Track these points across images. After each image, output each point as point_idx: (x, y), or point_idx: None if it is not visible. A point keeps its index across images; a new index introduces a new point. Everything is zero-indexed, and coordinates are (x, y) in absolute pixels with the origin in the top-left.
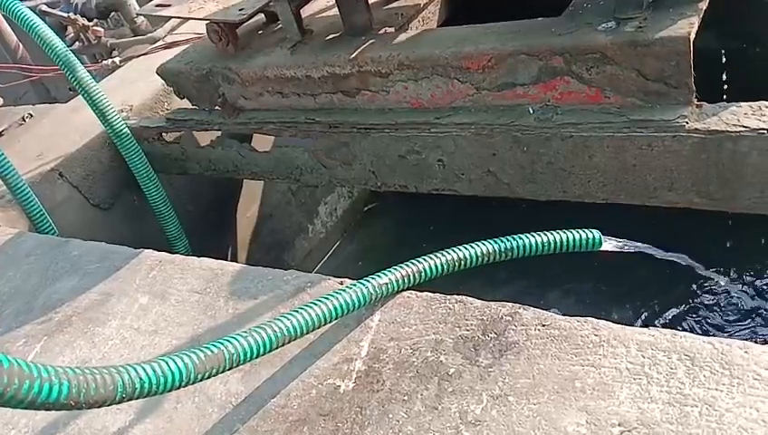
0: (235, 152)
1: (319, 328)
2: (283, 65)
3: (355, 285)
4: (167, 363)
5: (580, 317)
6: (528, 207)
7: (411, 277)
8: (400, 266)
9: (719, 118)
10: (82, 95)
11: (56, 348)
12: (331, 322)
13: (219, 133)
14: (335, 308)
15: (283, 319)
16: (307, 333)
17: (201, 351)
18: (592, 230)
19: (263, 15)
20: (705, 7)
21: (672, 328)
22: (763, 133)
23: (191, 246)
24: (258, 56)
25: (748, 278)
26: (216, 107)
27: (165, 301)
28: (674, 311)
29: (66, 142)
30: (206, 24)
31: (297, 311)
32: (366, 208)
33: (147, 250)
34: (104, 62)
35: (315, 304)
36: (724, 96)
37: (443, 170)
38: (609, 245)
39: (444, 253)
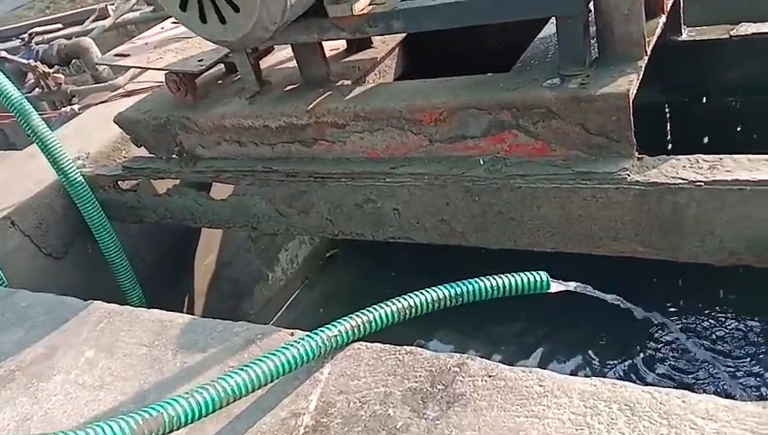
0: (191, 200)
1: (265, 385)
2: (241, 115)
3: (303, 339)
4: (102, 429)
5: (525, 367)
6: (490, 252)
7: (362, 328)
8: (350, 317)
9: (659, 170)
10: (36, 143)
11: None
12: (277, 378)
13: (177, 181)
14: (282, 365)
15: (227, 378)
16: (253, 392)
17: (139, 414)
18: (540, 272)
19: (222, 66)
20: (644, 65)
21: (620, 374)
22: (701, 185)
23: (147, 295)
24: (217, 106)
25: (697, 325)
26: (174, 155)
27: (112, 355)
28: (622, 356)
29: (20, 190)
30: (165, 74)
31: (242, 368)
32: (327, 255)
33: (96, 302)
34: (63, 109)
35: (261, 361)
36: (669, 148)
37: (398, 219)
38: (558, 287)
39: (393, 302)
